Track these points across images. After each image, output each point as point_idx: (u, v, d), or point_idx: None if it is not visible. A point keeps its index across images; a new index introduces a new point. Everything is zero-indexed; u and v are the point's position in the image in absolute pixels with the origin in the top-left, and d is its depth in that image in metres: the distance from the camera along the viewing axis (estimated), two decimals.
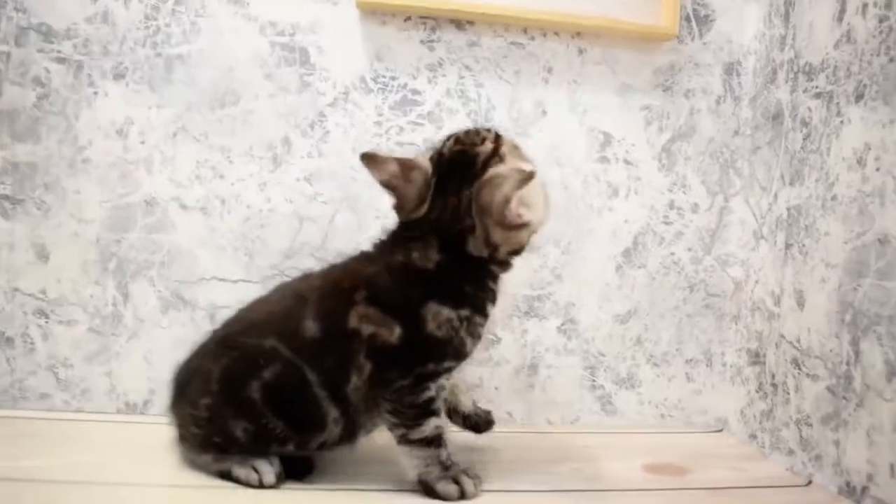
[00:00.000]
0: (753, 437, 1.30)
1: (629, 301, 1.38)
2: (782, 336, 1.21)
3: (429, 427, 0.93)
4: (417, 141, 1.31)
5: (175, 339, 1.25)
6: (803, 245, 1.16)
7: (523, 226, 0.92)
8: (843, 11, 1.09)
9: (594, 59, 1.35)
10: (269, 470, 0.95)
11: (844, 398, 1.04)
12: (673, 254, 1.38)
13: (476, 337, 0.96)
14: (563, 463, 1.12)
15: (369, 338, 0.93)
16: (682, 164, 1.39)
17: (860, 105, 1.04)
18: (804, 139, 1.18)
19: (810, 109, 1.17)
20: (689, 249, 1.39)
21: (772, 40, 1.31)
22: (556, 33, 1.34)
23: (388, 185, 0.98)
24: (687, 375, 1.40)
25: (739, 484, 1.08)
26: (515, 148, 0.98)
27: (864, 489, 0.99)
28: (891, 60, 0.98)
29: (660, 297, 1.39)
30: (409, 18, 1.30)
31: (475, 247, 0.94)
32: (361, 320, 0.93)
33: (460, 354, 0.95)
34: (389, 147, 1.30)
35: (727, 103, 1.40)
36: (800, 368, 1.16)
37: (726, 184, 1.40)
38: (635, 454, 1.19)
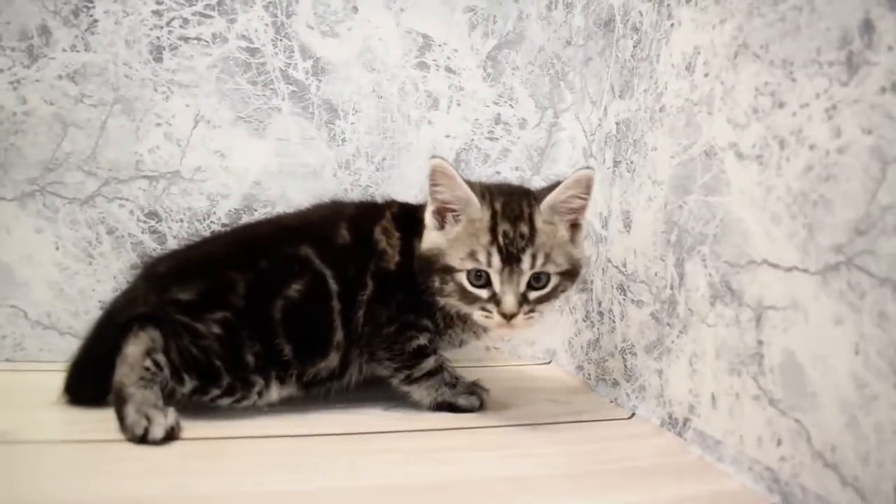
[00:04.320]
0: (580, 368, 1.23)
1: None
2: (609, 260, 1.13)
3: (428, 364, 0.97)
4: (205, 36, 1.11)
5: None
6: (631, 162, 1.08)
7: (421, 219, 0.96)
8: None
9: None
10: (161, 422, 0.81)
11: (668, 325, 0.96)
12: (499, 173, 1.27)
13: (433, 318, 0.97)
14: None
15: (380, 253, 0.95)
16: (510, 75, 1.27)
17: (690, 5, 0.95)
18: (634, 46, 1.08)
19: (641, 13, 1.07)
20: (517, 168, 1.28)
21: None
22: None
23: None
24: None
25: (560, 418, 1.00)
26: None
27: (686, 421, 0.92)
28: None
29: None
30: None
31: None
32: (382, 232, 0.97)
33: (433, 320, 0.97)
34: (172, 42, 1.10)
35: (559, 9, 1.28)
36: (625, 294, 1.08)
37: (557, 98, 1.30)
38: None
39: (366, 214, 1.00)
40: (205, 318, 0.88)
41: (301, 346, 0.91)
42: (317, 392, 0.96)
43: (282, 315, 0.90)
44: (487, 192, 0.92)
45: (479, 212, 0.90)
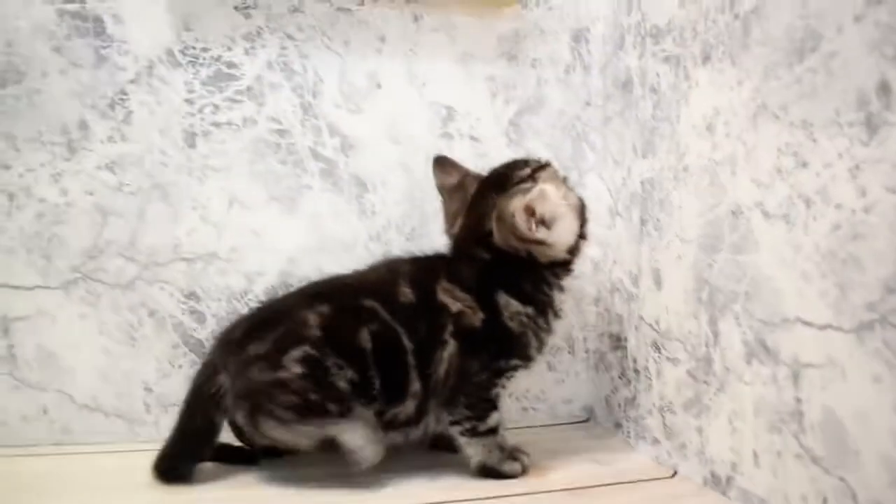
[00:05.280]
0: (619, 426, 1.23)
1: None
2: (641, 318, 1.14)
3: (493, 419, 1.00)
4: (236, 120, 1.15)
5: None
6: (658, 220, 1.09)
7: (537, 241, 0.97)
8: None
9: (431, 25, 1.23)
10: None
11: (705, 382, 0.97)
12: None
13: (539, 342, 1.02)
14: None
15: (457, 315, 0.98)
16: (532, 139, 1.30)
17: (707, 67, 0.97)
18: (654, 107, 1.11)
19: (658, 75, 1.09)
20: None
21: (619, 3, 1.23)
22: None
23: (440, 192, 1.09)
24: (548, 364, 1.31)
25: (603, 481, 1.00)
26: (556, 176, 1.03)
27: (730, 479, 0.92)
28: (736, 18, 0.91)
29: None
30: None
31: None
32: (446, 294, 0.99)
33: (525, 356, 1.02)
34: (205, 128, 1.15)
35: (576, 72, 1.31)
36: (660, 352, 1.08)
37: (579, 158, 1.32)
38: None
39: (422, 271, 1.03)
40: (282, 362, 0.92)
41: (386, 381, 0.95)
42: (393, 437, 0.99)
43: (371, 343, 0.95)
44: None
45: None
